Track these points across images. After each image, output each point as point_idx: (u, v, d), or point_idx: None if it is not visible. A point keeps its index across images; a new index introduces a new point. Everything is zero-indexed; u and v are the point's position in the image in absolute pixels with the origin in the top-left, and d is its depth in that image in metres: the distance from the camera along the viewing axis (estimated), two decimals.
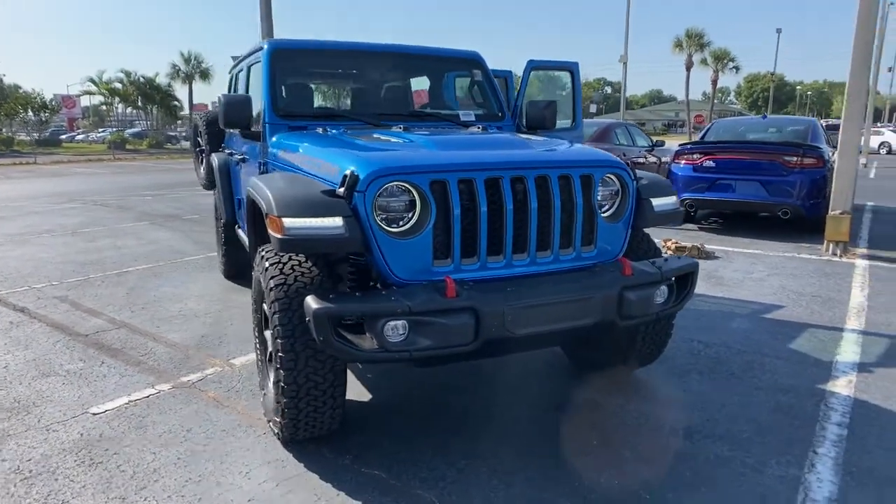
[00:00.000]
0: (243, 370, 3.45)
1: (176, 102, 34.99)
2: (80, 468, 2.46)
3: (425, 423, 2.90)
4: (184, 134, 40.28)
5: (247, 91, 4.22)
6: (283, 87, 3.60)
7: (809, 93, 77.22)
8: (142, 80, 32.45)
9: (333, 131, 3.29)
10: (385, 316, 2.15)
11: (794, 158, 7.21)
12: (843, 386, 3.30)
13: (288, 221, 2.25)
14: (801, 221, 7.48)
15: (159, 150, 30.26)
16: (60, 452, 2.57)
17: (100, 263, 6.08)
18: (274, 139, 3.34)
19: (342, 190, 2.31)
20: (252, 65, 4.11)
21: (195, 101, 38.46)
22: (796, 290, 5.16)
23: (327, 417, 2.47)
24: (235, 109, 3.40)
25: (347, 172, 2.32)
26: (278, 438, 2.63)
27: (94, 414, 2.91)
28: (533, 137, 3.17)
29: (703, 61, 41.19)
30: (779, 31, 45.89)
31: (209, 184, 6.28)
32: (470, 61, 4.16)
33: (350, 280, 2.70)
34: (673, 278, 2.74)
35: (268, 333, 2.85)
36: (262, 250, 2.59)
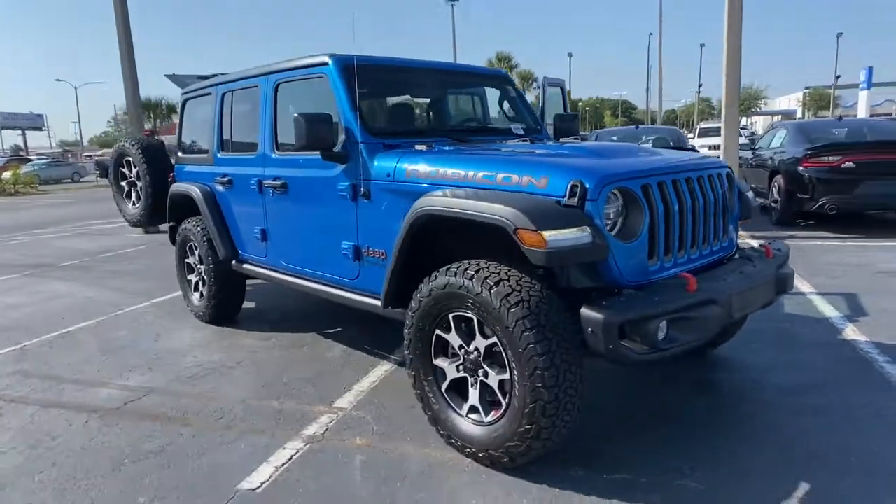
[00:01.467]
0: (361, 410, 3.15)
1: None
2: None
3: (601, 421, 2.95)
4: None
5: (275, 115, 3.82)
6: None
7: (588, 108, 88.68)
8: None
9: (446, 147, 3.21)
10: (660, 316, 2.22)
11: None
12: (854, 334, 4.05)
13: (549, 234, 2.20)
14: None
15: None
16: None
17: (17, 329, 4.92)
18: (378, 160, 3.12)
19: (574, 200, 2.32)
20: (281, 83, 3.76)
21: None
22: None
23: (568, 429, 2.42)
24: (321, 129, 3.12)
25: (576, 182, 2.34)
26: (498, 465, 2.49)
27: (253, 489, 2.46)
28: (622, 145, 3.41)
29: None
30: (570, 55, 52.75)
31: (146, 219, 5.49)
32: (501, 78, 4.28)
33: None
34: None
35: (442, 361, 2.69)
36: (469, 267, 2.45)
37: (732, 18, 7.34)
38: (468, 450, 2.58)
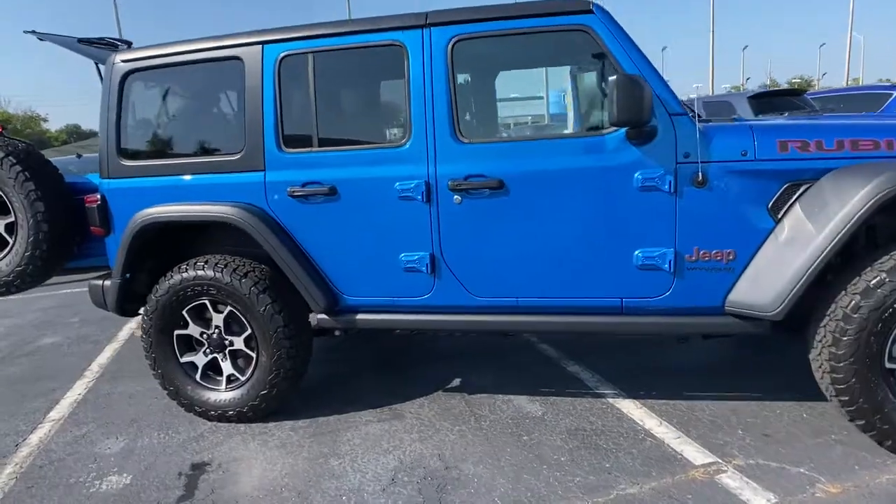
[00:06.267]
0: (723, 435, 2.44)
1: None
2: None
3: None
4: None
5: (453, 87, 2.63)
6: None
7: None
8: None
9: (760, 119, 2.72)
10: None
11: None
12: None
13: None
14: None
15: None
16: None
17: None
18: (717, 135, 2.45)
19: None
20: (462, 39, 2.62)
21: None
22: None
23: None
24: (645, 96, 2.31)
25: None
26: None
27: None
28: None
29: None
30: None
31: (37, 276, 3.32)
32: None
33: None
34: None
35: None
36: None
37: None
38: None
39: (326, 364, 3.82)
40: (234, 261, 2.94)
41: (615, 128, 2.47)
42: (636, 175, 2.49)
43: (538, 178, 2.59)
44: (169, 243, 3.19)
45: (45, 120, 50.05)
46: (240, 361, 3.08)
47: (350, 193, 2.78)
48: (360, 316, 2.93)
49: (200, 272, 2.92)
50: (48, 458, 2.86)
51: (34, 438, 3.08)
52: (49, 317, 5.62)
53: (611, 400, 3.06)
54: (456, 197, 2.66)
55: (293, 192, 2.82)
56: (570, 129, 3.14)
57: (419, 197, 2.69)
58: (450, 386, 3.37)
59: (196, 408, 3.09)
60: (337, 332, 3.13)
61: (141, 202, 3.01)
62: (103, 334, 4.88)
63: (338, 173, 2.78)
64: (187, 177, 2.98)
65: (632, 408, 2.96)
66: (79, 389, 3.71)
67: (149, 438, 2.99)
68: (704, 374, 3.32)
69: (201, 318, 3.06)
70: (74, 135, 53.74)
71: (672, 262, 2.53)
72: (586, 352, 3.70)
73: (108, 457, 2.83)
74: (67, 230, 3.26)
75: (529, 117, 3.28)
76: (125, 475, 2.65)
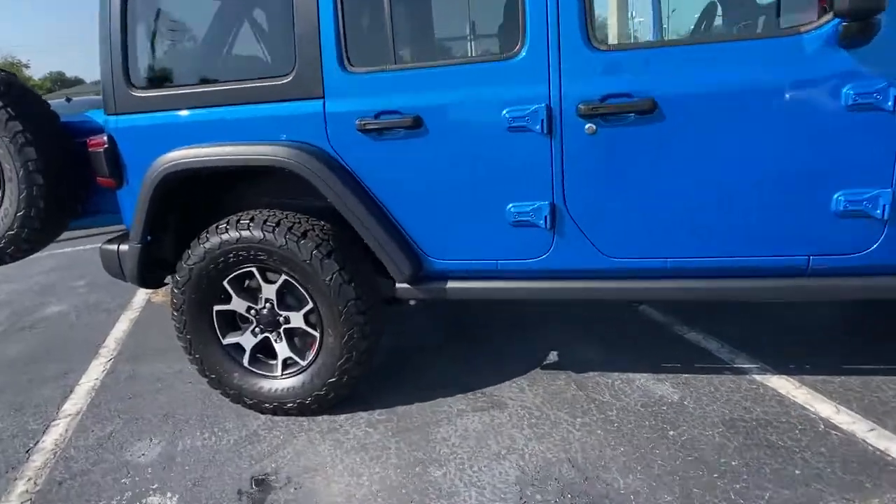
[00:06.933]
0: None
1: None
2: None
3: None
4: None
5: None
6: None
7: None
8: None
9: None
10: None
11: None
12: None
13: None
14: None
15: None
16: None
17: None
18: None
19: None
20: None
21: None
22: None
23: None
24: None
25: None
26: None
27: None
28: None
29: None
30: None
31: (33, 239, 2.66)
32: None
33: None
34: None
35: None
36: None
37: None
38: None
39: (387, 336, 3.22)
40: (287, 217, 2.28)
41: (823, 21, 1.78)
42: (845, 90, 1.81)
43: (706, 97, 1.91)
44: (196, 195, 2.54)
45: (27, 66, 47.98)
46: (296, 341, 2.48)
47: (440, 125, 2.10)
48: (451, 284, 2.30)
49: (245, 233, 2.27)
50: (69, 470, 2.29)
51: (48, 441, 2.51)
52: (51, 280, 5.00)
53: (757, 377, 2.49)
54: (589, 125, 1.98)
55: (364, 125, 2.14)
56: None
57: (537, 127, 2.01)
58: (548, 361, 2.79)
59: (246, 399, 2.51)
60: (412, 302, 2.53)
61: (160, 143, 2.33)
62: (115, 301, 4.27)
63: (423, 98, 2.09)
64: (219, 108, 2.29)
65: (789, 388, 2.38)
66: (95, 372, 3.13)
67: (191, 440, 2.42)
68: (857, 340, 2.74)
69: (247, 289, 2.44)
70: (59, 82, 51.66)
71: (887, 208, 1.89)
72: (699, 314, 3.11)
73: (144, 467, 2.26)
74: (68, 182, 2.59)
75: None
76: (169, 495, 2.08)
